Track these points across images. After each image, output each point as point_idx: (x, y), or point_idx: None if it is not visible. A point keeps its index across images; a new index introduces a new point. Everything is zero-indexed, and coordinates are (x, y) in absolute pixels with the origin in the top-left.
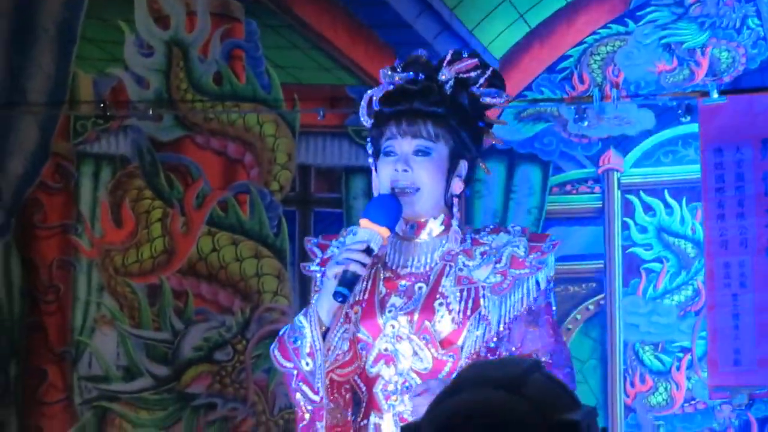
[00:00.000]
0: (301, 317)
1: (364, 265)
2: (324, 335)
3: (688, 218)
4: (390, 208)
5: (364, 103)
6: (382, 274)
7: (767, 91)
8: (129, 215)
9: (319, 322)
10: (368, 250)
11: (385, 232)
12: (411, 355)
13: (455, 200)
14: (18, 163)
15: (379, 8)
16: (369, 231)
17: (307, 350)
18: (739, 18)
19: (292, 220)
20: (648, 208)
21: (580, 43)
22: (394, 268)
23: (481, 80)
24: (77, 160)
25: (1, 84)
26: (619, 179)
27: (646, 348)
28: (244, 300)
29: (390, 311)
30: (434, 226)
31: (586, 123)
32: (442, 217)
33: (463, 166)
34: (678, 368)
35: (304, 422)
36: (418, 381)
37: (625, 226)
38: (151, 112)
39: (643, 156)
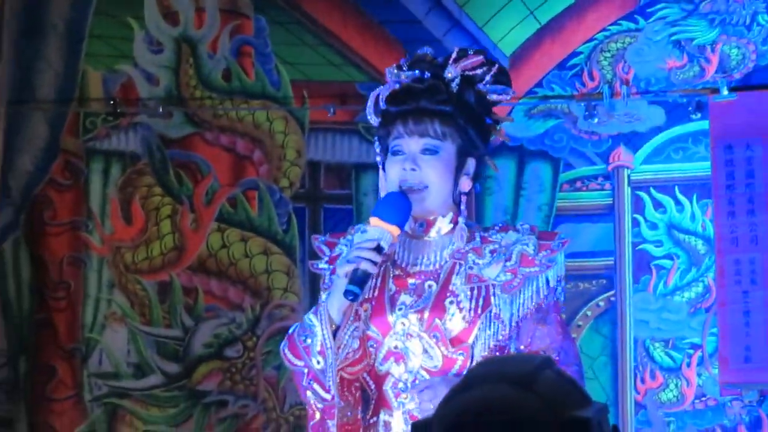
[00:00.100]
0: (311, 315)
1: (374, 263)
2: (334, 333)
3: (699, 215)
4: (400, 207)
5: (370, 102)
6: (391, 272)
7: None
8: (139, 212)
9: (329, 320)
10: (379, 249)
11: (395, 230)
12: (421, 352)
13: (463, 198)
14: (27, 160)
15: (388, 5)
16: (379, 229)
17: (318, 348)
18: (749, 14)
19: (301, 216)
20: (658, 205)
21: (591, 39)
22: (403, 266)
23: (487, 77)
24: (87, 157)
25: (10, 81)
26: (629, 176)
27: (657, 345)
28: (254, 297)
29: (400, 309)
30: (443, 225)
31: (596, 120)
32: (450, 215)
33: (471, 163)
34: (688, 365)
35: (314, 420)
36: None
37: (635, 223)
38: (160, 109)
39: (653, 153)
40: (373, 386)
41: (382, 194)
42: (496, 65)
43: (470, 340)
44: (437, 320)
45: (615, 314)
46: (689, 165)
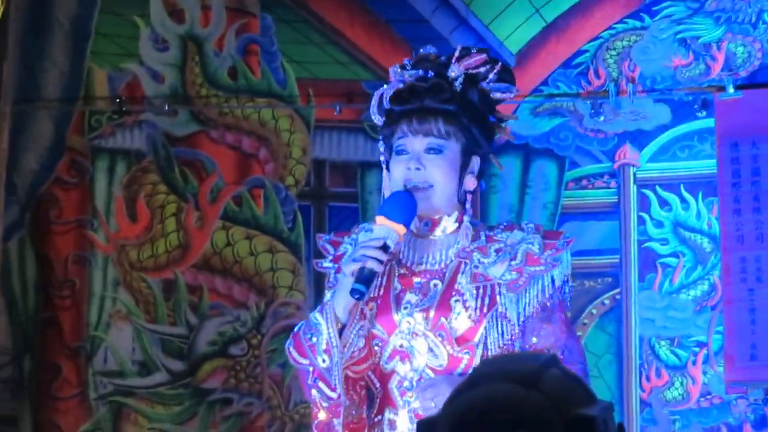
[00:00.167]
0: (316, 314)
1: (381, 262)
2: (340, 332)
3: (704, 213)
4: (406, 206)
5: (374, 102)
6: (396, 271)
7: None
8: (144, 210)
9: (335, 319)
10: (385, 247)
11: (401, 229)
12: (426, 351)
13: (468, 197)
14: (33, 158)
15: (395, 3)
16: (385, 228)
17: (324, 347)
18: (754, 13)
19: (307, 214)
20: (664, 203)
21: (596, 38)
22: (408, 265)
23: (491, 75)
24: (92, 156)
25: (16, 80)
26: (635, 174)
27: (662, 343)
28: (258, 295)
29: (405, 308)
30: (448, 224)
31: (602, 118)
32: (455, 214)
33: (475, 162)
34: (694, 363)
35: (318, 420)
36: None
37: (641, 221)
38: (166, 107)
39: (659, 151)
40: (378, 385)
41: (386, 194)
42: (500, 63)
43: (476, 339)
44: (443, 319)
45: (620, 312)
46: (695, 163)
